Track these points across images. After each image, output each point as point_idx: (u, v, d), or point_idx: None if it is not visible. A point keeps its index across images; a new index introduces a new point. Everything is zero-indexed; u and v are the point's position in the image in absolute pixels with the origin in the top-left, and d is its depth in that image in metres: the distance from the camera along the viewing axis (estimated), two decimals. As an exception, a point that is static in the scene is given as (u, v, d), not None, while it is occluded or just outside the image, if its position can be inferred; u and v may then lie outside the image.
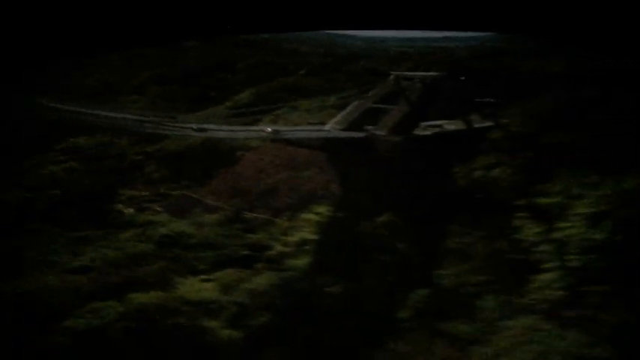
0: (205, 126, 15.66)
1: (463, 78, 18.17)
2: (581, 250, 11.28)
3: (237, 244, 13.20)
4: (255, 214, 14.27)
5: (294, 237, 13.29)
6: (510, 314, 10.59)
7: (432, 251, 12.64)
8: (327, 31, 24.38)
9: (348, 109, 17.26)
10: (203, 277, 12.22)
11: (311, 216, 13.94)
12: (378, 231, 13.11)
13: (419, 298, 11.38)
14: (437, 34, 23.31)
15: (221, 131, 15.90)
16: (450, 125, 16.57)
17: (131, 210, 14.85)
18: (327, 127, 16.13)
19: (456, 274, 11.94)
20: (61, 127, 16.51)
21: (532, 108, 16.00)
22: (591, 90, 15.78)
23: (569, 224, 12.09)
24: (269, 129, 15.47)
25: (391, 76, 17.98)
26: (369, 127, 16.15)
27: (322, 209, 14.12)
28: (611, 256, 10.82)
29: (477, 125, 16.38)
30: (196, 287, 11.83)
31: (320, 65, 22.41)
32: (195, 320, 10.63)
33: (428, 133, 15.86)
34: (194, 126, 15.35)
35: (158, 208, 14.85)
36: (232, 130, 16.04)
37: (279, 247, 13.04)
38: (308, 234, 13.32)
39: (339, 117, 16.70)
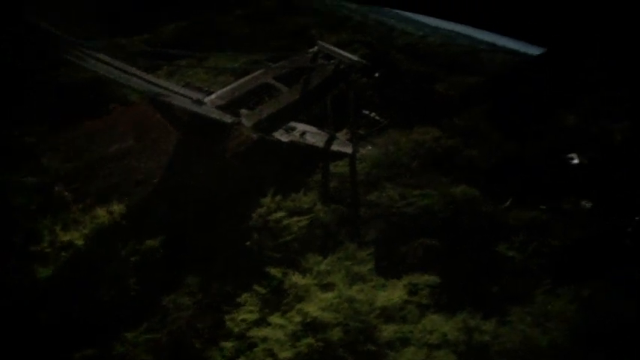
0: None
1: (377, 75, 13.69)
2: None
3: (22, 225, 12.13)
4: (64, 190, 13.03)
5: (67, 236, 11.91)
6: None
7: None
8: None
9: (243, 80, 14.22)
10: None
11: (102, 212, 12.33)
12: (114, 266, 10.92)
13: None
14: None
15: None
16: (314, 137, 12.92)
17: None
18: (207, 98, 13.53)
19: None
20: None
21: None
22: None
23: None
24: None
25: (314, 48, 14.31)
26: (245, 112, 13.29)
27: (116, 207, 12.39)
28: None
29: (334, 148, 12.59)
30: None
31: (269, 8, 18.31)
32: None
33: (284, 139, 12.58)
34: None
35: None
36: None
37: (45, 244, 11.80)
38: (79, 237, 11.85)
39: (226, 89, 13.87)
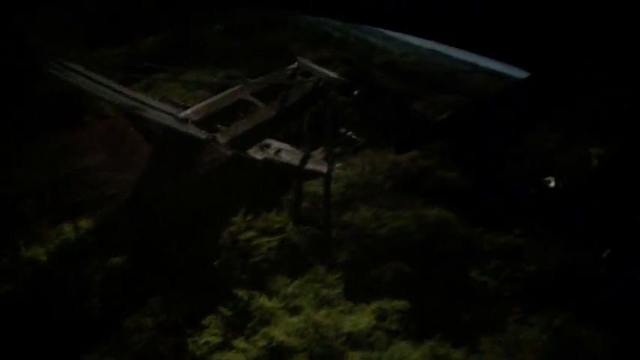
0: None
1: (356, 93, 13.59)
2: None
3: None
4: (32, 204, 12.69)
5: (30, 251, 11.59)
6: None
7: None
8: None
9: (219, 95, 14.00)
10: None
11: (68, 228, 12.03)
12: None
13: None
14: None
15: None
16: (288, 155, 12.72)
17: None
18: (183, 113, 13.26)
19: None
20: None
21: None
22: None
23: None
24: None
25: (294, 64, 14.18)
26: (221, 128, 13.04)
27: (83, 223, 12.09)
28: None
29: (309, 167, 12.40)
30: None
31: (249, 24, 18.17)
32: None
33: (258, 156, 12.34)
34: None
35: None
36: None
37: (8, 260, 11.48)
38: (42, 254, 11.51)
39: (202, 104, 13.62)
